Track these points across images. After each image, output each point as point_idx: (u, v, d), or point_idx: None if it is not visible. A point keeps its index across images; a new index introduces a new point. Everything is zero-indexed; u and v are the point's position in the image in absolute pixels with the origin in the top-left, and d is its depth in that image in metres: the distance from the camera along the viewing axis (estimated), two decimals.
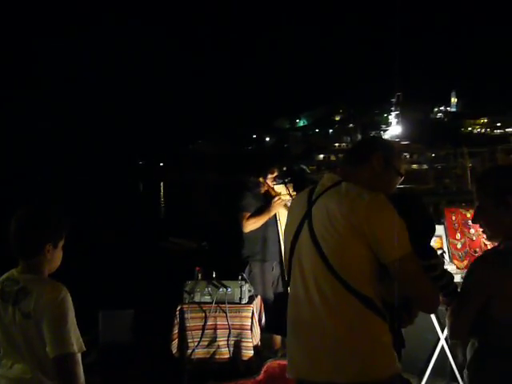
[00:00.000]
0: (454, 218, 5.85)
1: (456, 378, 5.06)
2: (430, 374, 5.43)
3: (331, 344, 2.37)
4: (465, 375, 2.70)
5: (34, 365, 2.74)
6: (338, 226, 2.35)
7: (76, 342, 2.70)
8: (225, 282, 5.53)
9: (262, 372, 5.09)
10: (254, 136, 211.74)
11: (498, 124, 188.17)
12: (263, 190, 6.09)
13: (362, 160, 2.61)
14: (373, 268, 2.36)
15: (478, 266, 2.57)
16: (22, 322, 2.71)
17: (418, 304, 2.53)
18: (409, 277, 2.35)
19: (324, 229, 2.40)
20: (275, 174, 6.05)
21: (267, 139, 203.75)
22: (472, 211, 5.81)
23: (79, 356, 2.70)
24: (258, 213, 6.06)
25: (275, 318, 2.80)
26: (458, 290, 2.59)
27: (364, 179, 2.54)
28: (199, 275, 5.64)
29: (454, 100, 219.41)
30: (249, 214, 6.08)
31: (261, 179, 6.06)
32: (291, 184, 6.18)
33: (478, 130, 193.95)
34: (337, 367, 2.35)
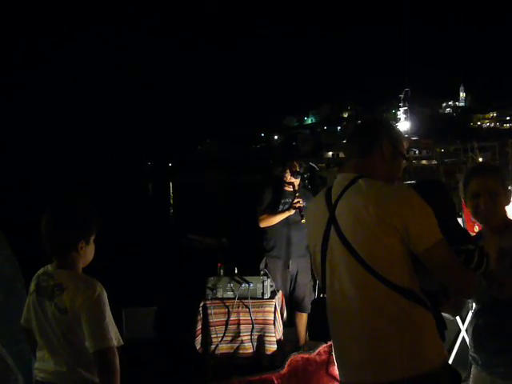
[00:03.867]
0: None
1: None
2: (451, 365, 5.45)
3: (378, 343, 2.34)
4: None
5: (69, 358, 2.79)
6: (367, 225, 2.32)
7: (114, 335, 2.77)
8: (247, 278, 5.58)
9: (286, 366, 5.10)
10: (263, 135, 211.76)
11: (507, 118, 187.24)
12: (287, 184, 6.14)
13: (369, 150, 2.56)
14: (408, 259, 2.34)
15: None
16: (59, 317, 2.76)
17: (453, 290, 2.52)
18: (442, 264, 2.36)
19: (353, 231, 2.37)
20: (297, 168, 6.08)
21: (275, 137, 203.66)
22: None
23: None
24: (274, 210, 6.12)
25: (316, 325, 2.74)
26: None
27: (376, 169, 2.53)
28: (221, 271, 5.69)
29: (462, 95, 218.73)
30: (264, 211, 6.14)
31: (287, 174, 6.10)
32: (309, 179, 6.22)
33: (487, 124, 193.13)
34: (388, 365, 2.32)
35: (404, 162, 2.64)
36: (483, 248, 2.58)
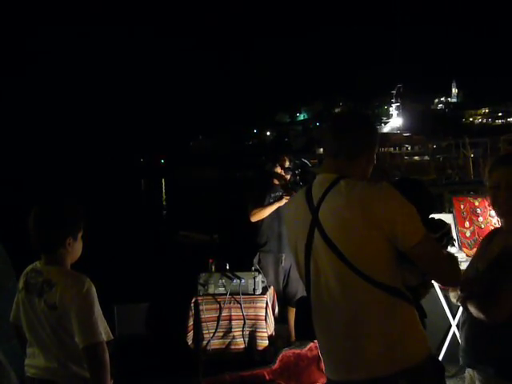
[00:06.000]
0: (462, 206, 5.90)
1: None
2: (442, 360, 5.49)
3: (367, 340, 2.37)
4: None
5: (59, 354, 2.83)
6: (352, 227, 2.33)
7: (104, 330, 2.81)
8: (238, 274, 5.60)
9: (278, 361, 5.14)
10: (255, 131, 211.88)
11: (500, 114, 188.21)
12: (277, 179, 6.18)
13: (359, 154, 2.53)
14: (393, 257, 2.37)
15: None
16: (48, 313, 2.79)
17: (441, 280, 2.63)
18: (429, 257, 2.40)
19: (339, 233, 2.37)
20: (287, 164, 6.12)
21: (268, 134, 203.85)
22: (480, 199, 5.91)
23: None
24: (264, 203, 6.15)
25: (302, 323, 2.74)
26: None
27: (356, 170, 2.52)
28: (213, 267, 5.71)
29: (454, 91, 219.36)
30: (255, 205, 6.16)
31: (278, 168, 6.15)
32: (300, 175, 6.24)
33: (479, 120, 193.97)
34: (377, 361, 2.35)
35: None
36: (450, 230, 2.67)
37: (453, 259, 2.53)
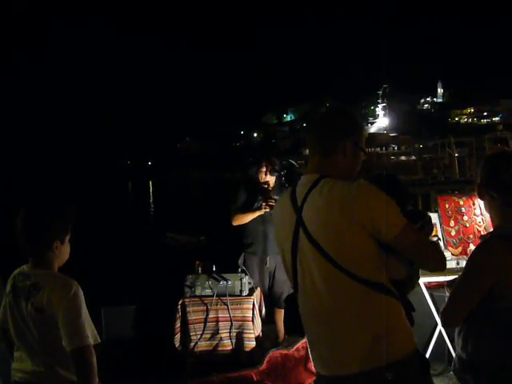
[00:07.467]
0: (447, 205, 5.94)
1: None
2: (429, 359, 5.50)
3: (354, 337, 2.40)
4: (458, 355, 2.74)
5: (46, 357, 2.81)
6: (334, 226, 2.38)
7: (91, 333, 2.79)
8: (225, 275, 5.60)
9: (265, 362, 5.14)
10: (242, 132, 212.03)
11: (485, 113, 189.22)
12: (262, 183, 6.16)
13: (332, 150, 2.56)
14: (377, 253, 2.41)
15: (484, 252, 2.63)
16: (35, 316, 2.78)
17: (427, 266, 2.62)
18: (413, 245, 2.43)
19: (321, 232, 2.42)
20: (272, 166, 6.10)
21: (255, 135, 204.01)
22: (465, 199, 5.94)
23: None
24: (247, 208, 6.14)
25: (293, 320, 2.79)
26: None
27: (338, 167, 2.55)
28: (199, 269, 5.70)
29: (440, 91, 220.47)
30: (238, 209, 6.16)
31: (262, 174, 6.11)
32: (286, 176, 6.24)
33: (464, 119, 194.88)
34: (364, 355, 2.38)
35: (363, 155, 2.65)
36: (430, 219, 2.72)
37: (436, 245, 2.59)
